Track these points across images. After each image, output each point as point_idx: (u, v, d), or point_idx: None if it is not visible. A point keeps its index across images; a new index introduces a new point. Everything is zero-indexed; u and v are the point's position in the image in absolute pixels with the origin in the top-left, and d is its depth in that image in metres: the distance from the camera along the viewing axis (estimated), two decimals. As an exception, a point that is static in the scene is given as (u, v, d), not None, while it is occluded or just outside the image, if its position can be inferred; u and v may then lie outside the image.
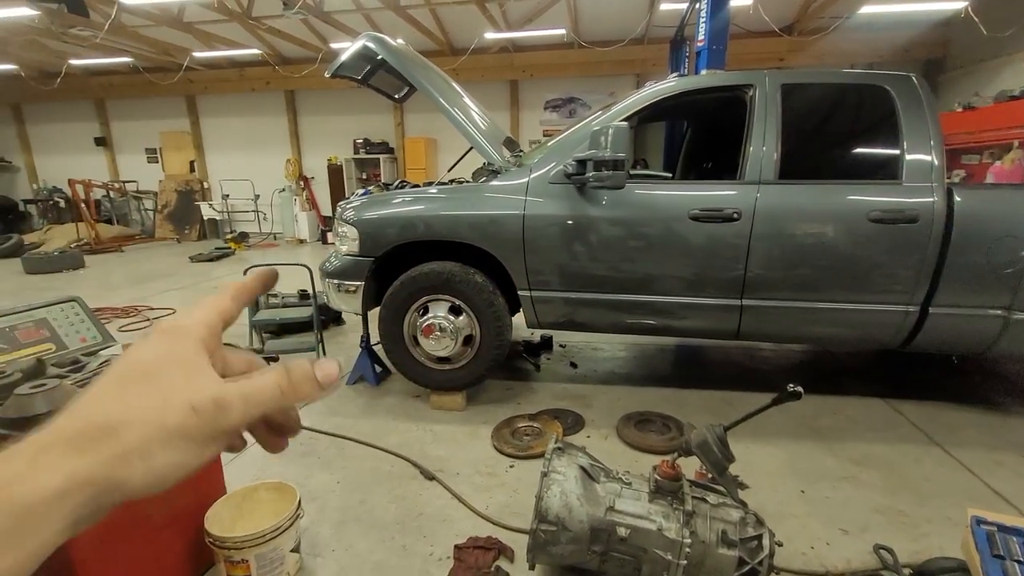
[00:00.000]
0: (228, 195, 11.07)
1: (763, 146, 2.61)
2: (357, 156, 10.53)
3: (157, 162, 11.83)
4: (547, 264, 2.74)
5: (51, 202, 11.44)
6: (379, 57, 2.89)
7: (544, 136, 9.56)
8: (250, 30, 8.33)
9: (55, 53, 9.17)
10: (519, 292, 2.81)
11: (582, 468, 1.64)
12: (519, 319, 3.00)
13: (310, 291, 3.44)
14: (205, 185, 11.56)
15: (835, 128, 2.97)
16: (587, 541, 1.54)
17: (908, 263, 2.51)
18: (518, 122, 10.15)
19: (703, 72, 3.70)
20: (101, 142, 11.84)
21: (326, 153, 10.82)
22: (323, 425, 2.77)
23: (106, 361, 1.67)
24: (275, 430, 0.38)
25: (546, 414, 2.85)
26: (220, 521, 1.66)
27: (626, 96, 2.89)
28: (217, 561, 1.64)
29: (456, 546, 1.84)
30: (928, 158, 2.51)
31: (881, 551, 1.83)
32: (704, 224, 2.60)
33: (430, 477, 2.30)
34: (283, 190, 10.78)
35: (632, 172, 2.79)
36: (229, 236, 10.05)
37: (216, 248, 8.80)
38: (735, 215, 2.57)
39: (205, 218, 10.98)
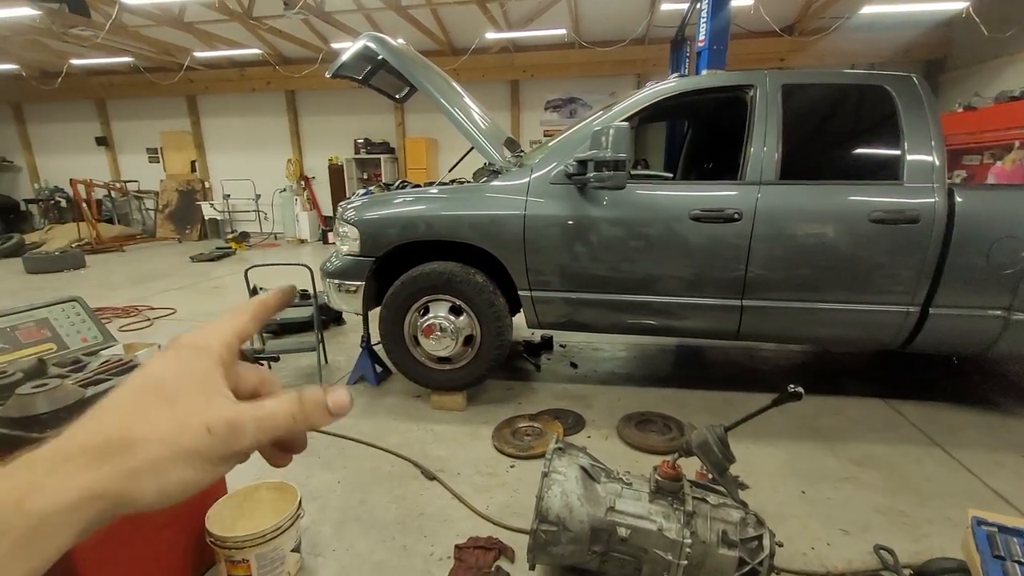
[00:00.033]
0: (229, 195, 11.07)
1: (764, 146, 2.61)
2: (358, 156, 10.53)
3: (158, 162, 11.84)
4: (548, 264, 2.74)
5: (52, 202, 11.46)
6: (380, 57, 2.90)
7: (545, 136, 9.56)
8: (251, 30, 8.34)
9: (56, 53, 9.18)
10: (520, 292, 2.81)
11: (583, 468, 1.64)
12: (520, 319, 3.01)
13: (311, 291, 3.44)
14: (206, 185, 11.57)
15: (836, 128, 2.97)
16: (588, 541, 1.54)
17: (909, 264, 2.51)
18: (519, 122, 10.15)
19: (704, 72, 3.70)
20: (102, 142, 11.85)
21: (327, 153, 10.82)
22: (334, 421, 2.76)
23: (106, 361, 1.68)
24: (282, 447, 0.39)
25: (547, 414, 2.85)
26: (221, 521, 1.67)
27: (627, 96, 2.89)
28: (218, 560, 1.64)
29: (457, 546, 1.84)
30: (929, 158, 2.51)
31: (882, 551, 1.83)
32: (705, 224, 2.60)
33: (431, 477, 2.31)
34: (284, 190, 10.79)
35: (633, 172, 2.79)
36: (230, 236, 10.06)
37: (217, 248, 8.81)
38: (736, 215, 2.57)
39: (206, 218, 10.99)
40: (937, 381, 3.40)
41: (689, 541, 1.47)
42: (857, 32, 8.03)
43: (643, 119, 2.98)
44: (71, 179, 9.74)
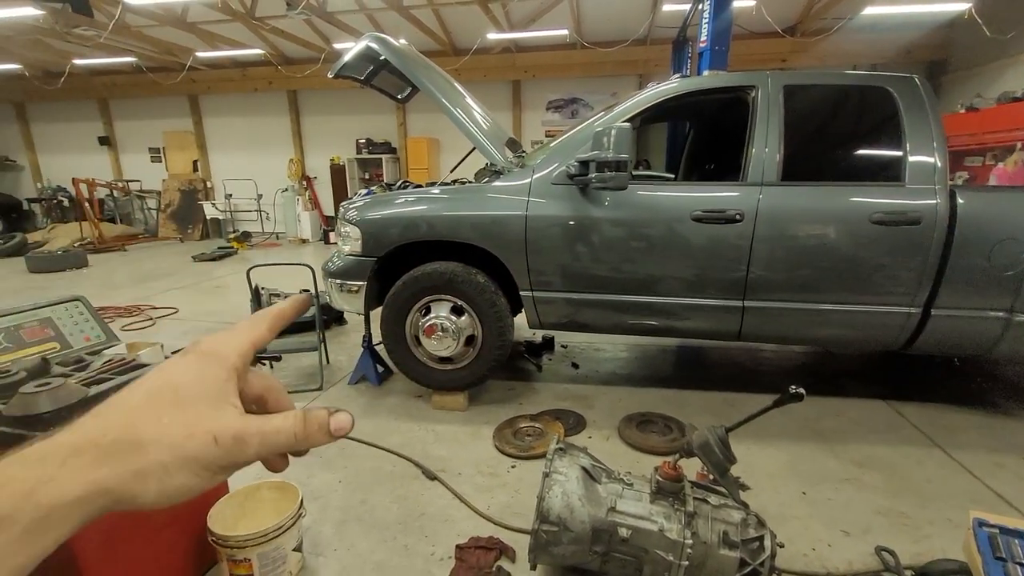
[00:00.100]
0: (231, 195, 11.09)
1: (765, 147, 2.62)
2: (360, 156, 10.54)
3: (160, 161, 11.87)
4: (549, 265, 2.74)
5: (55, 201, 11.48)
6: (382, 57, 2.90)
7: (546, 136, 9.57)
8: (253, 30, 8.35)
9: (59, 53, 9.21)
10: (521, 292, 2.81)
11: (584, 469, 1.65)
12: (521, 319, 3.01)
13: (312, 291, 3.44)
14: (208, 184, 11.60)
15: (838, 129, 2.97)
16: (589, 542, 1.54)
17: (910, 265, 2.51)
18: (520, 122, 10.16)
19: (705, 73, 3.70)
20: (105, 141, 11.88)
21: (329, 153, 10.84)
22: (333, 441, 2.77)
23: (109, 360, 1.68)
24: (281, 455, 0.40)
25: (548, 414, 2.85)
26: (223, 520, 1.67)
27: (629, 97, 2.90)
28: (220, 560, 1.64)
29: (458, 546, 1.85)
30: (931, 160, 2.51)
31: (883, 553, 1.83)
32: (706, 225, 2.60)
33: (432, 477, 2.31)
34: (286, 190, 10.81)
35: (634, 173, 2.79)
36: (232, 235, 10.08)
37: (219, 247, 8.82)
38: (737, 216, 2.57)
39: (208, 217, 11.02)
40: (938, 382, 3.40)
41: (690, 542, 1.47)
42: (859, 33, 8.03)
43: (645, 120, 2.99)
44: (74, 178, 9.76)
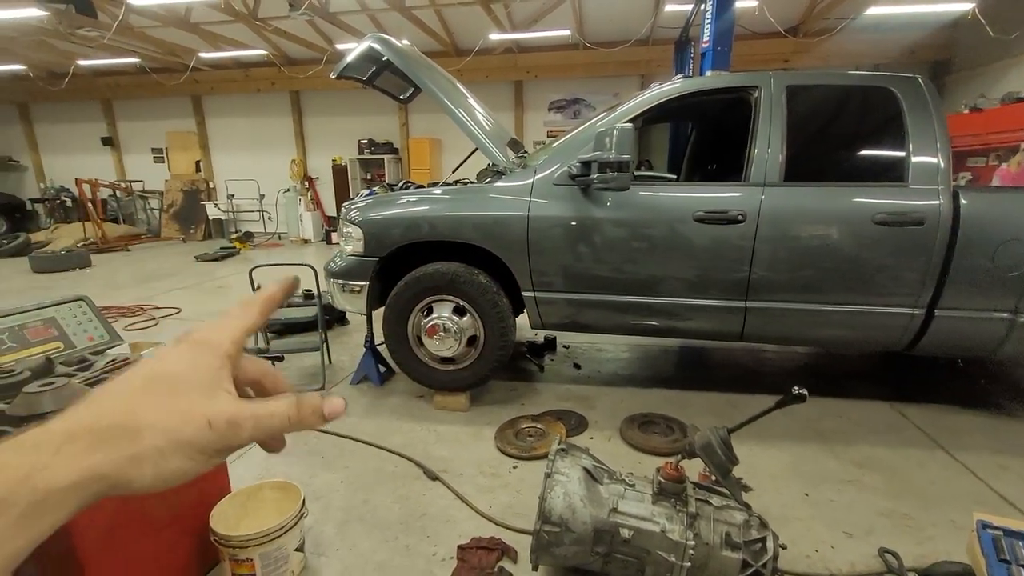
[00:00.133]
0: (233, 195, 11.11)
1: (768, 148, 2.61)
2: (362, 156, 10.56)
3: (163, 162, 11.91)
4: (551, 265, 2.74)
5: (58, 201, 11.53)
6: (384, 58, 2.90)
7: (548, 137, 9.57)
8: (256, 31, 8.38)
9: (63, 53, 9.24)
10: (523, 293, 2.81)
11: (585, 469, 1.64)
12: (523, 320, 3.01)
13: (315, 291, 3.45)
14: (211, 185, 11.62)
15: (840, 130, 2.96)
16: (590, 542, 1.54)
17: (914, 266, 2.50)
18: (522, 123, 10.16)
19: (708, 73, 3.70)
20: (108, 142, 11.92)
21: (331, 153, 10.86)
22: (327, 425, 2.77)
23: (113, 360, 1.69)
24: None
25: (549, 415, 2.85)
26: (225, 520, 1.67)
27: (631, 97, 2.89)
28: (222, 559, 1.65)
29: (459, 546, 1.85)
30: (934, 160, 2.50)
31: (886, 555, 1.82)
32: (709, 226, 2.60)
33: (433, 477, 2.31)
34: (288, 190, 10.83)
35: (636, 173, 2.79)
36: (234, 236, 10.10)
37: (221, 248, 8.84)
38: (740, 217, 2.57)
39: (210, 218, 11.05)
40: (942, 384, 3.39)
41: (692, 543, 1.47)
42: (862, 33, 8.01)
43: (647, 120, 2.98)
44: (77, 179, 9.80)
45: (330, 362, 3.60)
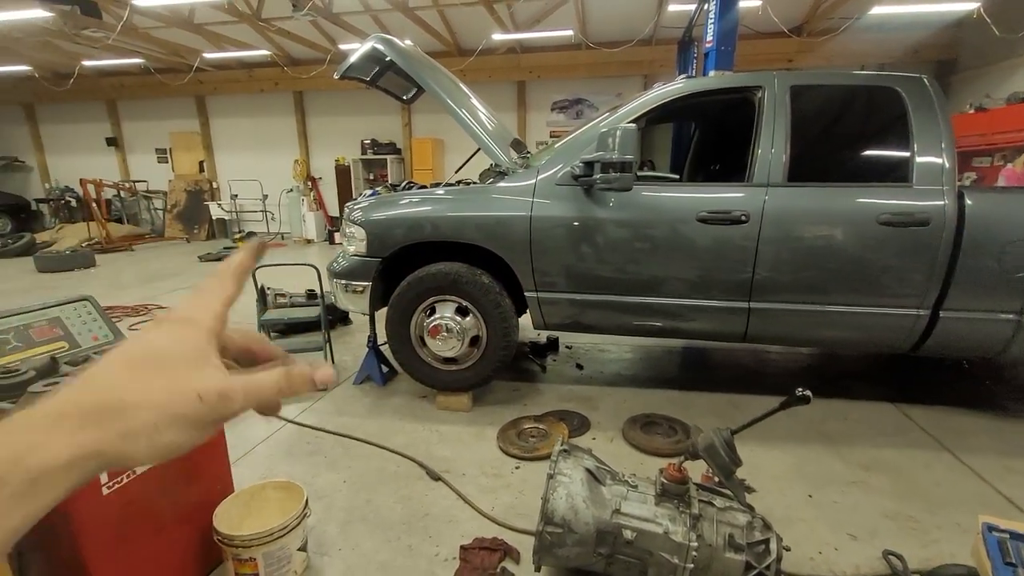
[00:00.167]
0: (237, 195, 11.15)
1: (772, 148, 2.60)
2: (364, 157, 10.58)
3: (167, 162, 11.95)
4: (554, 265, 2.74)
5: (63, 201, 11.59)
6: (387, 59, 2.91)
7: (551, 137, 9.57)
8: (259, 31, 8.40)
9: (68, 54, 9.29)
10: (526, 293, 2.81)
11: (588, 470, 1.64)
12: (525, 320, 3.01)
13: (318, 291, 3.46)
14: (214, 185, 11.66)
15: (845, 130, 2.95)
16: (593, 543, 1.54)
17: (918, 266, 2.49)
18: (525, 123, 10.16)
19: (711, 73, 3.69)
20: (112, 142, 11.97)
21: (334, 154, 10.88)
22: (330, 425, 2.78)
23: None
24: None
25: (552, 415, 2.85)
26: (228, 519, 1.68)
27: (634, 97, 2.89)
28: (225, 559, 1.65)
29: (462, 547, 1.85)
30: (939, 160, 2.49)
31: (890, 557, 1.81)
32: (712, 226, 2.59)
33: (436, 478, 2.31)
34: (291, 190, 10.86)
35: (639, 174, 2.79)
36: (237, 236, 10.13)
37: (225, 248, 8.87)
38: (743, 217, 2.56)
39: (214, 218, 11.09)
40: (947, 385, 3.37)
41: (695, 544, 1.47)
42: (866, 33, 7.98)
43: (650, 120, 2.98)
44: (81, 179, 9.85)
45: (333, 362, 3.61)
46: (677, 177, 4.48)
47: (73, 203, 11.50)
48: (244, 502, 1.78)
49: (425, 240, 2.80)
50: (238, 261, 0.40)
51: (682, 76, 3.10)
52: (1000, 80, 7.27)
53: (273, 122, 11.17)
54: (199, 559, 1.71)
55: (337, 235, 9.67)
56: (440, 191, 2.94)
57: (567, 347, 4.02)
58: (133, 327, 4.55)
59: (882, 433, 2.73)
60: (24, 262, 8.09)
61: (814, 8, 7.82)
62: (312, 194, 10.86)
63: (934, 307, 2.55)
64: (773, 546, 1.49)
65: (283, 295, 3.98)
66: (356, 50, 3.00)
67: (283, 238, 11.00)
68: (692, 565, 1.46)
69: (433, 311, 2.84)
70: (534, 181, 2.74)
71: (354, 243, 2.91)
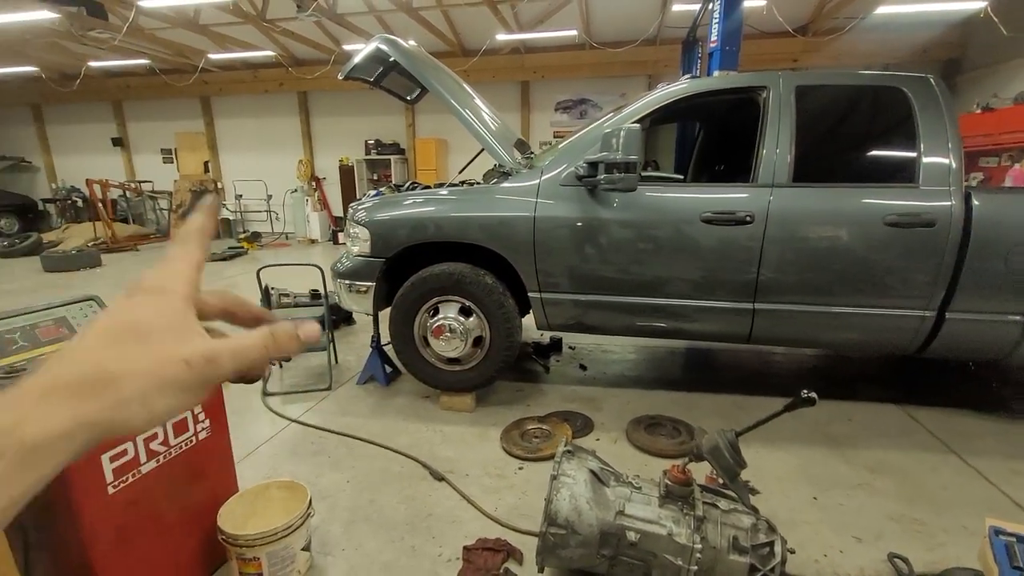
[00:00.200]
0: (241, 195, 11.20)
1: (777, 148, 2.59)
2: (368, 157, 10.60)
3: (172, 162, 12.02)
4: (557, 266, 2.73)
5: (69, 201, 11.66)
6: (391, 59, 2.91)
7: (555, 137, 9.56)
8: (264, 32, 8.43)
9: (74, 55, 9.35)
10: (529, 294, 2.81)
11: (592, 472, 1.64)
12: (529, 321, 3.00)
13: (321, 291, 3.46)
14: (219, 185, 11.69)
15: (850, 130, 2.94)
16: (596, 545, 1.53)
17: (924, 268, 2.47)
18: (528, 123, 10.16)
19: (715, 73, 3.67)
20: (118, 143, 12.05)
21: (338, 154, 10.91)
22: (333, 424, 2.79)
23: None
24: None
25: (555, 416, 2.85)
26: (233, 519, 1.68)
27: (638, 98, 2.88)
28: (229, 558, 1.66)
29: (465, 547, 1.85)
30: (946, 161, 2.47)
31: (896, 560, 1.80)
32: (716, 227, 2.58)
33: (439, 478, 2.31)
34: (295, 190, 10.89)
35: (643, 174, 2.78)
36: (242, 236, 10.17)
37: (229, 247, 8.91)
38: (748, 218, 2.55)
39: (218, 218, 11.11)
40: (953, 387, 3.34)
41: (699, 546, 1.46)
42: (872, 32, 7.94)
43: (654, 121, 2.97)
44: (87, 179, 9.89)
45: (336, 362, 3.62)
46: (681, 178, 4.47)
47: (79, 203, 11.56)
48: (248, 502, 1.78)
49: (429, 240, 2.80)
50: (197, 224, 0.39)
51: (686, 76, 3.09)
52: (1007, 79, 7.21)
53: (277, 122, 11.21)
54: (203, 558, 1.72)
55: (341, 235, 9.69)
56: (444, 192, 2.94)
57: (570, 348, 4.01)
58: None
59: (887, 435, 2.71)
60: (31, 262, 8.14)
61: (819, 8, 7.79)
62: (316, 194, 10.89)
63: (940, 309, 2.53)
64: (777, 548, 1.49)
65: (287, 295, 4.00)
66: (360, 51, 3.01)
67: (287, 238, 11.04)
68: (696, 567, 1.45)
69: (437, 311, 2.84)
70: (538, 182, 2.74)
71: (358, 243, 2.92)
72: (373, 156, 10.56)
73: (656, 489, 1.63)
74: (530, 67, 9.60)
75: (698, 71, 6.63)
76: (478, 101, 3.30)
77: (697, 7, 6.40)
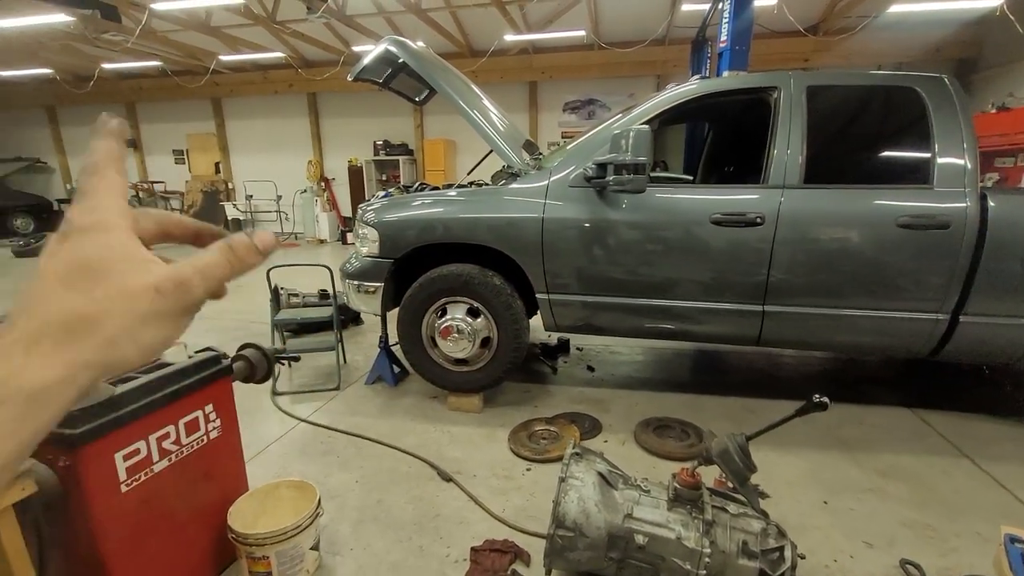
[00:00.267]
0: (252, 195, 11.30)
1: (788, 149, 2.57)
2: (377, 158, 10.65)
3: (184, 163, 12.15)
4: (565, 267, 2.73)
5: (83, 202, 11.81)
6: (400, 60, 2.92)
7: (563, 138, 9.55)
8: (274, 34, 8.50)
9: (88, 57, 9.48)
10: (537, 295, 2.81)
11: (600, 474, 1.63)
12: (537, 322, 3.00)
13: (330, 291, 3.49)
14: (230, 186, 11.82)
15: (863, 131, 2.91)
16: (604, 548, 1.53)
17: (938, 270, 2.44)
18: (537, 124, 10.15)
19: (725, 73, 3.65)
20: (131, 144, 12.19)
21: (347, 155, 10.97)
22: (342, 424, 2.80)
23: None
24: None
25: (563, 418, 2.84)
26: (242, 517, 1.70)
27: (647, 98, 2.87)
28: (239, 557, 1.67)
29: (472, 548, 1.85)
30: (961, 162, 2.44)
31: (908, 566, 1.78)
32: (726, 228, 2.57)
33: (447, 478, 2.32)
34: (305, 191, 10.97)
35: (652, 175, 2.77)
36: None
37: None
38: (758, 219, 2.53)
39: (229, 218, 11.22)
40: (967, 390, 3.30)
41: (708, 551, 1.45)
42: (884, 31, 7.84)
43: (663, 121, 2.96)
44: (101, 180, 10.03)
45: (345, 362, 3.64)
46: (691, 179, 4.45)
47: (93, 203, 11.72)
48: (258, 501, 1.80)
49: (437, 241, 2.81)
50: (106, 148, 0.35)
51: (696, 76, 3.07)
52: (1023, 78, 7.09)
53: (287, 123, 11.30)
54: (213, 557, 1.74)
55: (350, 235, 9.74)
56: (452, 193, 2.95)
57: (578, 349, 4.01)
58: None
59: (899, 439, 2.68)
60: (45, 261, 8.26)
61: (831, 6, 7.71)
62: (325, 195, 10.96)
63: (954, 311, 2.50)
64: (787, 553, 1.47)
65: (296, 295, 4.03)
66: (369, 52, 3.02)
67: (296, 238, 11.12)
68: (705, 572, 1.44)
69: (444, 312, 2.85)
70: (546, 183, 2.74)
71: (367, 244, 2.93)
72: (382, 157, 10.61)
73: (665, 492, 1.62)
74: (538, 67, 9.59)
75: (708, 71, 6.59)
76: (486, 102, 3.30)
77: (707, 7, 6.36)
